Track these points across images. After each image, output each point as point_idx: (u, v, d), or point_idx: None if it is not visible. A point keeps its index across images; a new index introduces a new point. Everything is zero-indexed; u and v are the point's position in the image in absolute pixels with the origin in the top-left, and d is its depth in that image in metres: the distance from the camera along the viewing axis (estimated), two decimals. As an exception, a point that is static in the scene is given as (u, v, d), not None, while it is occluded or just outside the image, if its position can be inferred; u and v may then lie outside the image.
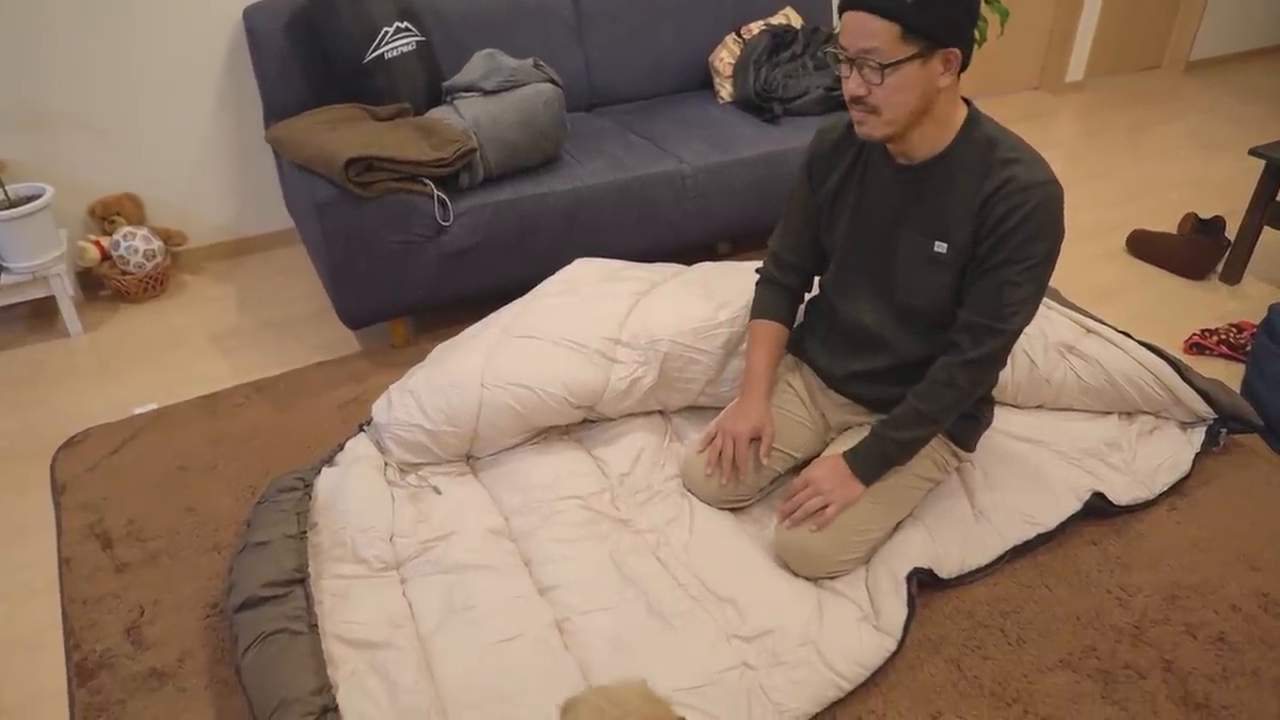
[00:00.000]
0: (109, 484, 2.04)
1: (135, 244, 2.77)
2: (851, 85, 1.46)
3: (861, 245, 1.68)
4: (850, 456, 1.66)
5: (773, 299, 1.86)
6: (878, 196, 1.64)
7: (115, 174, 2.86)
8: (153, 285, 2.86)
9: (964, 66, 1.46)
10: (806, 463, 1.85)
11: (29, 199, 2.54)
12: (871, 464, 1.66)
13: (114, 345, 2.64)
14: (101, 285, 2.87)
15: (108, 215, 2.82)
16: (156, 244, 2.83)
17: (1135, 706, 1.51)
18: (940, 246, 1.56)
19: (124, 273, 2.79)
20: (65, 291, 2.63)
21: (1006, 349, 1.57)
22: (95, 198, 2.83)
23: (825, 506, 1.64)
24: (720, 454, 1.79)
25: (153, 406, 2.32)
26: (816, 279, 1.88)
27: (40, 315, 2.78)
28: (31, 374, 2.51)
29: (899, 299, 1.65)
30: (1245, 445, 2.09)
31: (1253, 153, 2.70)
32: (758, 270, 1.91)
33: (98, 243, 2.78)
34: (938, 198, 1.55)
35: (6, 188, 2.53)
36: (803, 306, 1.93)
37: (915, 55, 1.41)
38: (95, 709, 1.53)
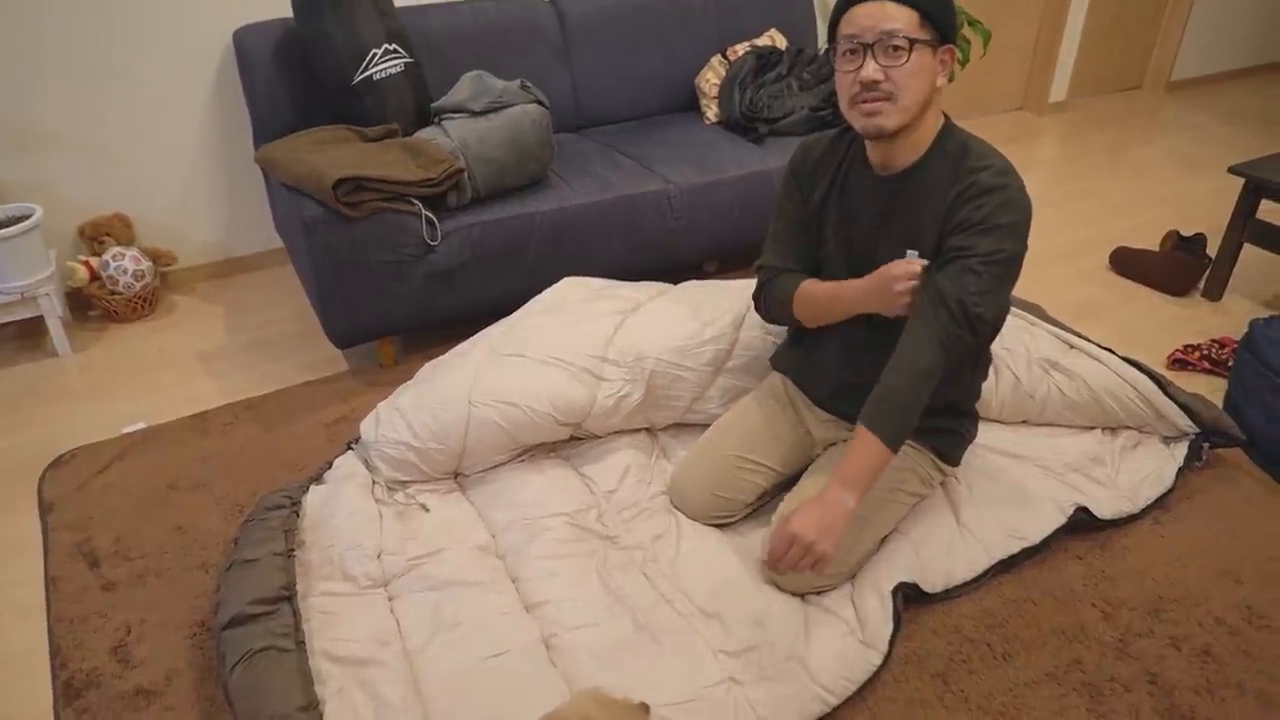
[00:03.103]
0: (96, 503, 2.04)
1: (124, 264, 2.77)
2: (868, 71, 1.45)
3: (845, 257, 1.70)
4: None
5: (788, 278, 1.76)
6: (858, 209, 1.66)
7: (105, 194, 2.87)
8: (142, 305, 2.86)
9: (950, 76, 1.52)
10: (793, 479, 1.86)
11: (18, 219, 2.54)
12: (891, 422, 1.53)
13: (103, 365, 2.64)
14: (90, 305, 2.87)
15: (97, 235, 2.83)
16: (146, 264, 2.84)
17: (1121, 719, 1.52)
18: (913, 254, 1.58)
19: (113, 293, 2.80)
20: (54, 312, 2.63)
21: (963, 341, 1.51)
22: (85, 218, 2.84)
23: (818, 559, 1.51)
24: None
25: (141, 426, 2.32)
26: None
27: (29, 335, 2.78)
28: (20, 394, 2.50)
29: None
30: (1228, 459, 2.11)
31: (1232, 171, 2.74)
32: (756, 271, 1.83)
33: (87, 263, 2.79)
34: (912, 206, 1.58)
35: (-4, 208, 2.55)
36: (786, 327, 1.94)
37: (929, 42, 1.46)
38: (80, 729, 1.53)
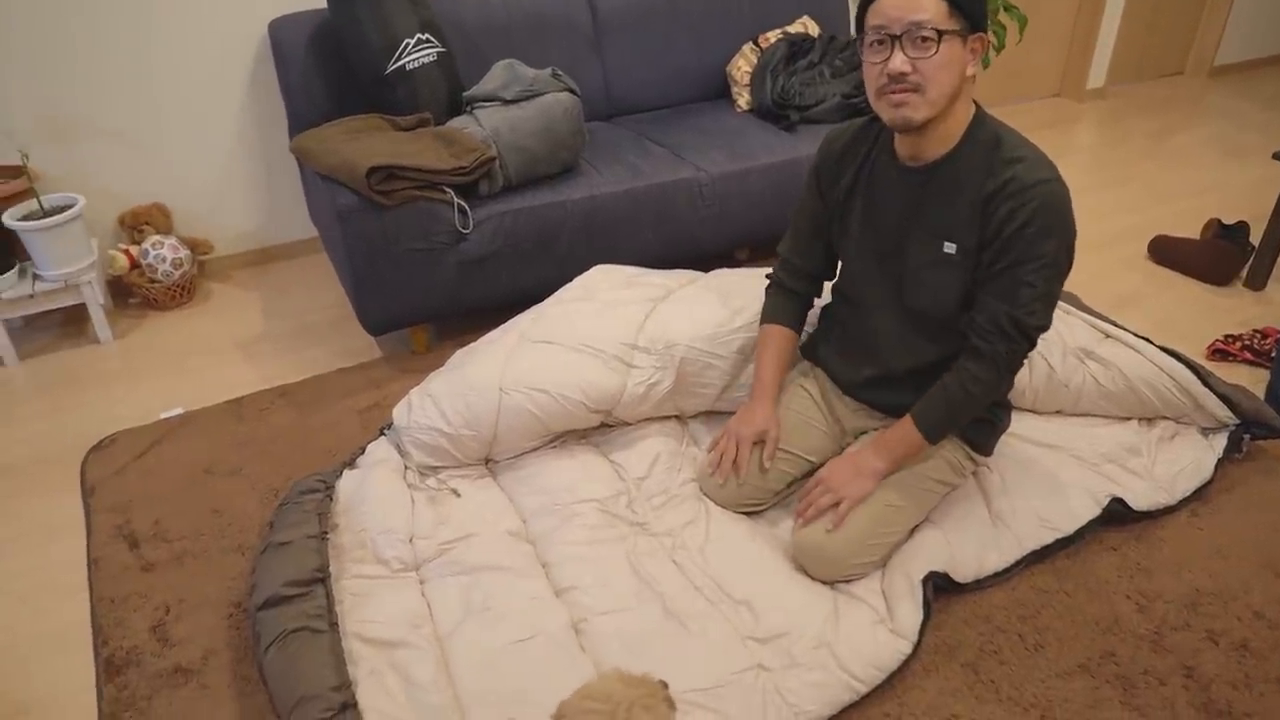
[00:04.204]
0: (136, 486, 2.08)
1: (163, 253, 2.82)
2: (896, 63, 1.43)
3: (872, 249, 1.69)
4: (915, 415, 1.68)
5: (782, 304, 1.88)
6: (886, 200, 1.64)
7: (144, 184, 2.92)
8: (180, 293, 2.91)
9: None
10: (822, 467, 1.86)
11: (62, 209, 2.59)
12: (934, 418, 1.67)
13: (142, 351, 2.69)
14: (131, 293, 2.92)
15: (137, 225, 2.88)
16: (184, 253, 2.89)
17: (1155, 713, 1.50)
18: (949, 247, 1.56)
19: (152, 281, 2.85)
20: (96, 299, 2.68)
21: (1020, 355, 1.57)
22: (125, 208, 2.90)
23: (838, 503, 1.66)
24: (723, 455, 1.82)
25: (179, 411, 2.36)
26: (828, 285, 1.89)
27: (72, 322, 2.84)
28: (63, 379, 2.56)
29: (908, 301, 1.66)
30: (1269, 451, 2.07)
31: (1277, 157, 2.68)
32: (768, 276, 1.93)
33: (127, 251, 2.84)
34: (945, 198, 1.56)
35: (41, 198, 2.59)
36: (816, 312, 1.94)
37: (959, 32, 1.43)
38: (123, 704, 1.56)
